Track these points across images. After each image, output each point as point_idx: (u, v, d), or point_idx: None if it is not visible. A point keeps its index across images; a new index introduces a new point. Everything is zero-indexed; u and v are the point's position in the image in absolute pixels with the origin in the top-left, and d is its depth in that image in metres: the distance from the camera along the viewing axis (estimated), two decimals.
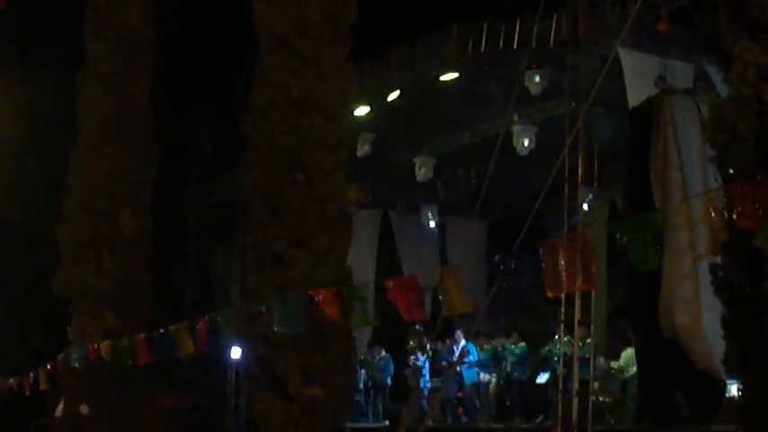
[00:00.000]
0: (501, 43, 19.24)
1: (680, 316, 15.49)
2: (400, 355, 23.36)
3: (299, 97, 16.22)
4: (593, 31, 17.65)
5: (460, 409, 22.18)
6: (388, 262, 26.63)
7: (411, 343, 22.60)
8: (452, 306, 11.37)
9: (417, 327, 21.95)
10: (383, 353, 23.27)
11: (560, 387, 17.79)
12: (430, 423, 17.84)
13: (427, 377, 22.01)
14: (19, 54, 27.74)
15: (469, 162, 24.40)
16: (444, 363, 21.93)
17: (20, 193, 29.30)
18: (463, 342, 21.50)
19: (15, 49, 27.83)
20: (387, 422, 21.98)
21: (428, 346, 21.96)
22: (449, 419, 21.35)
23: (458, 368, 21.37)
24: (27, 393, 23.80)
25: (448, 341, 21.65)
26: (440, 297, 11.55)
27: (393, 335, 23.52)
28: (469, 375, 21.46)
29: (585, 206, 19.06)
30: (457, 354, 21.57)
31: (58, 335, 22.26)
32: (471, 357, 21.40)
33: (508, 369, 21.27)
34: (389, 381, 23.21)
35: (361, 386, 22.89)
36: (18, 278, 29.70)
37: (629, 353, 18.50)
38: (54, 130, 25.59)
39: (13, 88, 26.61)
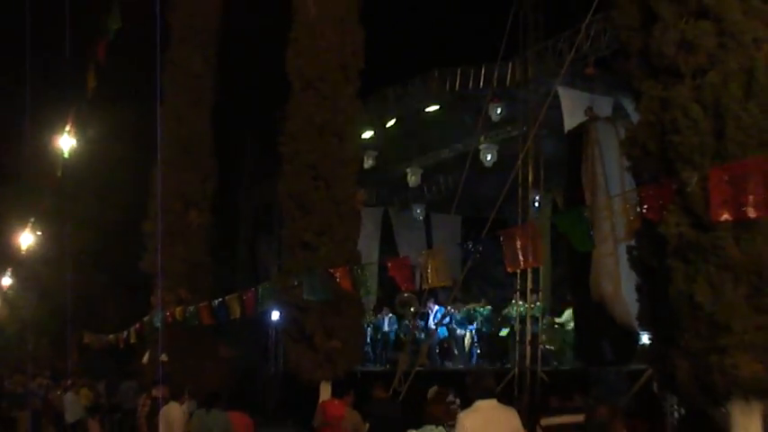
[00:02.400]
0: (471, 83, 19.26)
1: (605, 285, 15.46)
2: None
3: (321, 124, 16.12)
4: (538, 74, 17.66)
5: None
6: (388, 247, 26.57)
7: (411, 309, 22.52)
8: (434, 280, 11.33)
9: (406, 295, 21.93)
10: (390, 314, 23.24)
11: (517, 339, 17.80)
12: (419, 367, 17.74)
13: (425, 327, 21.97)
14: (116, 95, 27.69)
15: (448, 172, 24.35)
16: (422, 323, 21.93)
17: (117, 199, 29.35)
18: (436, 308, 21.51)
19: (114, 92, 27.80)
20: (387, 366, 21.95)
21: (420, 308, 21.90)
22: (437, 363, 21.32)
23: (434, 326, 21.42)
24: (121, 346, 23.90)
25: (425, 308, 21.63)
26: (424, 273, 11.49)
27: (392, 301, 23.51)
28: (441, 331, 21.50)
29: (535, 204, 19.03)
30: (432, 317, 21.62)
31: (145, 303, 22.31)
32: (435, 319, 21.39)
33: (478, 326, 21.28)
34: (393, 335, 23.19)
35: (368, 340, 22.82)
36: (116, 262, 29.77)
37: (569, 312, 18.48)
38: (141, 151, 25.53)
39: (110, 121, 26.61)
